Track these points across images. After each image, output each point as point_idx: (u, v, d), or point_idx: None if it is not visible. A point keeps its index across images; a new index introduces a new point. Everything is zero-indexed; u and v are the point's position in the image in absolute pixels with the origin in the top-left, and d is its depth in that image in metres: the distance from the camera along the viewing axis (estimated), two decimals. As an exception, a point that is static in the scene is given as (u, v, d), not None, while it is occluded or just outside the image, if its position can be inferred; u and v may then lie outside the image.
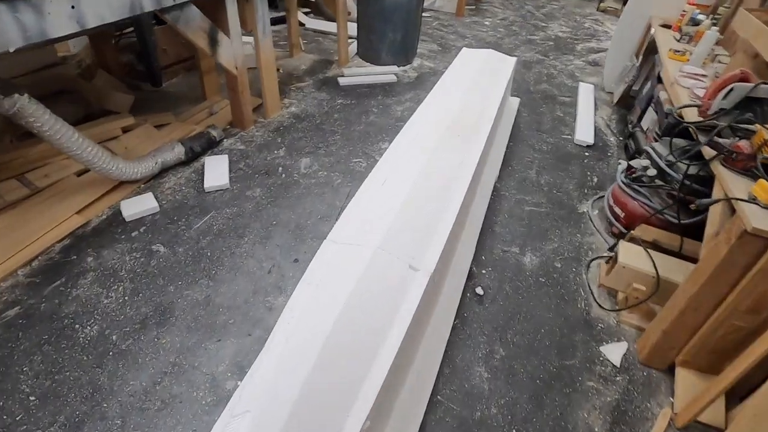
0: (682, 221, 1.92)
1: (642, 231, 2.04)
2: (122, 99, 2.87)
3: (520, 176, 2.66)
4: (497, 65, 3.01)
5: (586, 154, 2.95)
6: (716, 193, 1.50)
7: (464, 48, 3.19)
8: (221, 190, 2.35)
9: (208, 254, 1.97)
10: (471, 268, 1.99)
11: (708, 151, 1.60)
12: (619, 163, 2.86)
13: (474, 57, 3.06)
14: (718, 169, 1.52)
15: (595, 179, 2.70)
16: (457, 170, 1.90)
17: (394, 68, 3.89)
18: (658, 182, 2.08)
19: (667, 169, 1.99)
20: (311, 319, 1.29)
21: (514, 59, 3.11)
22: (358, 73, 3.76)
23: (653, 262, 1.82)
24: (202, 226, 2.11)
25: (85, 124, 2.49)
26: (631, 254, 1.88)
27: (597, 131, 3.20)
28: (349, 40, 4.19)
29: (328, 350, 1.23)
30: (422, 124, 2.21)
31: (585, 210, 2.44)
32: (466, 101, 2.44)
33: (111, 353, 1.56)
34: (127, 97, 2.90)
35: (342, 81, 3.59)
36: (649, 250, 1.88)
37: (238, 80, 2.64)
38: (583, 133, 3.11)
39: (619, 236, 2.25)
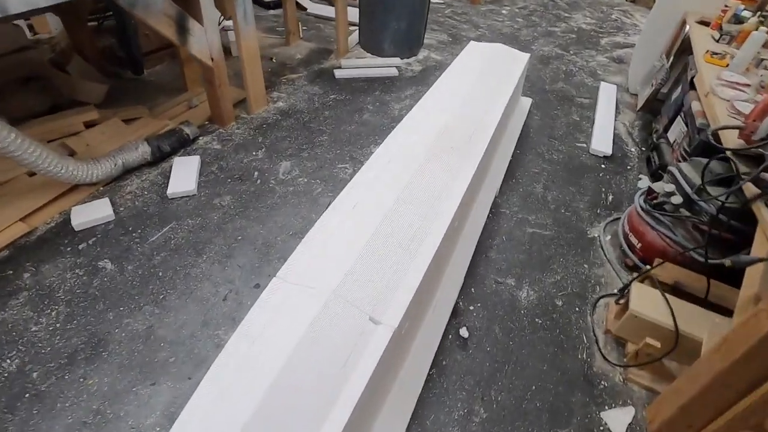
0: (710, 260, 1.62)
1: (660, 268, 1.74)
2: (94, 89, 2.65)
3: (524, 191, 2.37)
4: (507, 63, 2.68)
5: (602, 166, 2.62)
6: (758, 246, 1.20)
7: (472, 41, 2.87)
8: (186, 196, 2.12)
9: (160, 274, 1.75)
10: (457, 302, 1.73)
11: (750, 188, 1.29)
12: (639, 179, 2.54)
13: (481, 52, 2.74)
14: (762, 213, 1.22)
15: (611, 197, 2.38)
16: (445, 192, 1.63)
17: (397, 61, 3.58)
18: (684, 212, 1.77)
19: (697, 199, 1.68)
20: (241, 387, 1.05)
21: (527, 56, 2.78)
22: (357, 65, 3.46)
23: (672, 311, 1.53)
24: (158, 240, 1.89)
25: (43, 117, 2.28)
26: (645, 299, 1.59)
27: (616, 139, 2.86)
28: (352, 28, 3.89)
29: (260, 422, 1.00)
30: (411, 132, 1.93)
31: (596, 235, 2.14)
32: (465, 106, 2.14)
33: (27, 395, 1.35)
34: (100, 86, 2.68)
35: (338, 73, 3.30)
36: (667, 294, 1.59)
37: (214, 73, 2.38)
38: (601, 141, 2.78)
39: (633, 269, 1.96)
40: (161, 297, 1.67)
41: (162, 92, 2.89)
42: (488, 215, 2.14)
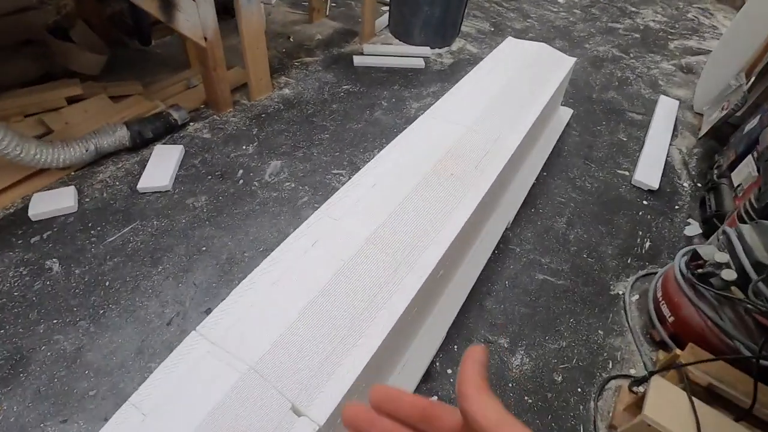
0: (763, 358, 1.26)
1: (694, 357, 1.39)
2: (91, 59, 2.48)
3: (543, 225, 2.02)
4: (547, 68, 2.28)
5: (645, 203, 2.21)
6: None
7: (509, 37, 2.47)
8: (159, 192, 1.93)
9: (107, 284, 1.58)
10: (433, 363, 1.46)
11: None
12: (688, 224, 2.13)
13: (518, 52, 2.34)
14: None
15: (648, 244, 1.99)
16: (430, 236, 1.33)
17: (427, 50, 3.20)
18: (737, 292, 1.39)
19: (758, 283, 1.30)
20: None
21: (572, 61, 2.36)
22: (381, 52, 3.13)
23: (698, 425, 1.19)
24: (116, 241, 1.71)
25: (23, 89, 2.13)
26: (665, 402, 1.26)
27: (668, 169, 2.42)
28: (384, 8, 3.54)
29: None
30: (410, 148, 1.63)
31: (621, 292, 1.78)
32: (484, 119, 1.80)
33: (-72, 415, 1.23)
34: (98, 57, 2.51)
35: (357, 60, 2.98)
36: (696, 400, 1.25)
37: (208, 54, 2.15)
38: (647, 171, 2.35)
39: (659, 345, 1.61)
40: (101, 312, 1.49)
41: (165, 67, 2.69)
42: (494, 250, 1.83)
